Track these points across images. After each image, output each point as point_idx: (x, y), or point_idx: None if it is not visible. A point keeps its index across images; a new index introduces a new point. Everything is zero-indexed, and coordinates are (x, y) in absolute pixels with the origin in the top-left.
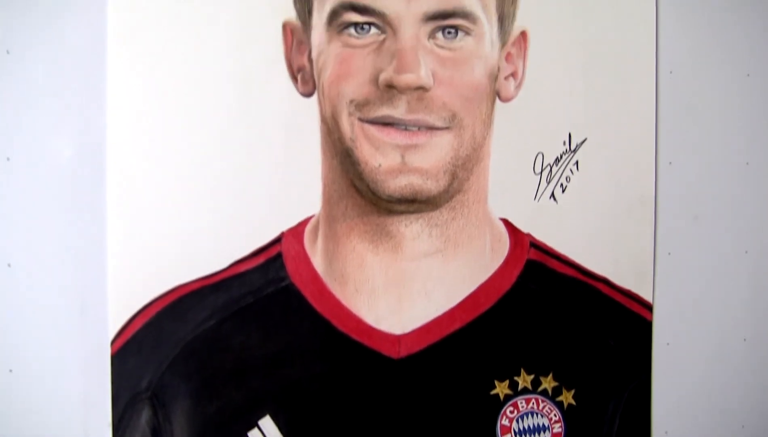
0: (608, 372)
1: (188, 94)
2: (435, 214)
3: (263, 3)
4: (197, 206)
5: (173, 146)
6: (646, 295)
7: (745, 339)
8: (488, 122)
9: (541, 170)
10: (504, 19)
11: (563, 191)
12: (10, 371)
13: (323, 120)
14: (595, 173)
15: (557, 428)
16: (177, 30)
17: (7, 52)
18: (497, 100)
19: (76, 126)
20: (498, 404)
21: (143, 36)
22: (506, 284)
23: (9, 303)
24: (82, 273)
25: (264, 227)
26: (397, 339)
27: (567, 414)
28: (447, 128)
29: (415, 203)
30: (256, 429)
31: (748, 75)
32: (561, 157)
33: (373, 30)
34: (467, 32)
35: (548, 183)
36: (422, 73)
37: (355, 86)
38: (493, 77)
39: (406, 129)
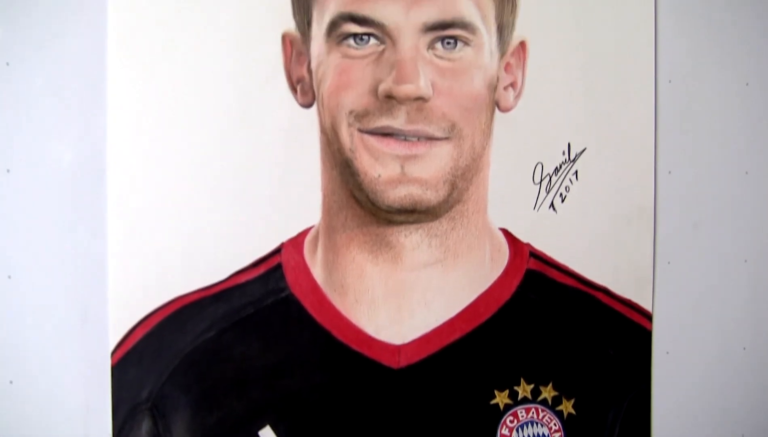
0: (608, 381)
1: (188, 105)
2: (434, 224)
3: (262, 14)
4: (197, 217)
5: (173, 157)
6: (646, 304)
7: (744, 348)
8: (487, 132)
9: (541, 180)
10: (503, 29)
11: (563, 200)
12: (11, 382)
13: (323, 131)
14: (594, 183)
15: None
16: (176, 43)
17: (7, 64)
18: (496, 111)
19: (75, 139)
20: (498, 413)
21: (143, 50)
22: (506, 294)
23: (10, 315)
24: (83, 285)
25: (264, 238)
26: (397, 349)
27: (567, 423)
28: (446, 139)
29: (414, 214)
30: None
31: (747, 84)
32: (560, 167)
33: (373, 41)
34: (466, 43)
35: (548, 193)
36: (421, 84)
37: (355, 97)
38: (493, 87)
39: (405, 139)
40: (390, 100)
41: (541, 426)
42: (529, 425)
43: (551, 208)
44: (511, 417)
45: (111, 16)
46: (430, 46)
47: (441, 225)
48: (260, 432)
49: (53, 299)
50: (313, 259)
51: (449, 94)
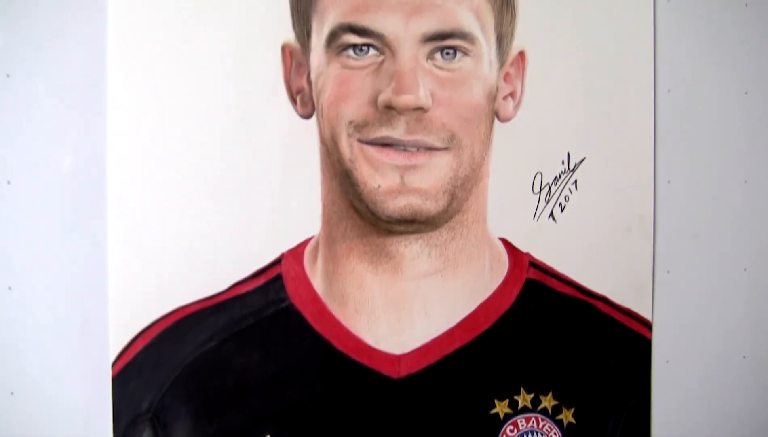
0: (608, 390)
1: (187, 116)
2: (434, 234)
3: (262, 25)
4: (197, 228)
5: (173, 168)
6: (645, 313)
7: (744, 357)
8: (487, 142)
9: (540, 190)
10: (502, 39)
11: (562, 210)
12: (12, 393)
13: (322, 141)
14: (593, 192)
15: None
16: (176, 55)
17: (8, 76)
18: (496, 121)
19: (74, 153)
20: (498, 423)
21: (142, 62)
22: (506, 304)
23: (10, 326)
24: (83, 296)
25: (264, 249)
26: (397, 359)
27: (567, 432)
28: (446, 149)
29: (414, 224)
30: None
31: (746, 93)
32: (560, 176)
33: (372, 51)
34: (465, 53)
35: (547, 202)
36: (421, 94)
37: (354, 108)
38: (492, 97)
39: (405, 150)
40: (389, 110)
41: (542, 435)
42: (530, 434)
43: (551, 217)
44: (512, 427)
45: (111, 30)
46: (430, 56)
47: (441, 235)
48: None
49: (53, 311)
50: (313, 269)
51: (448, 104)
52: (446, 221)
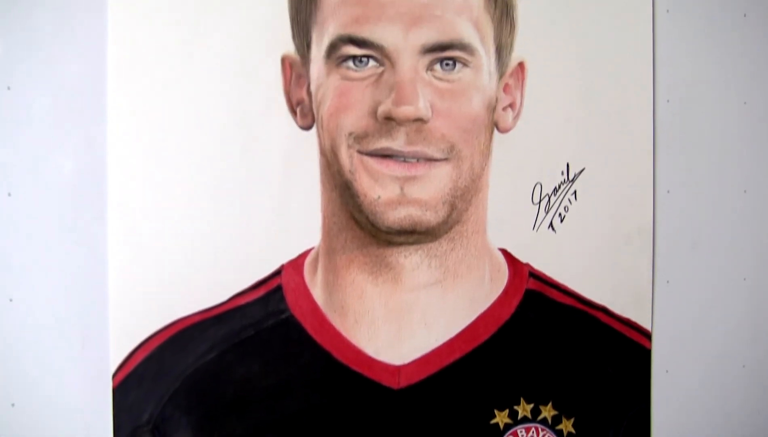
0: (607, 400)
1: (187, 129)
2: (434, 245)
3: (262, 37)
4: (198, 239)
5: (173, 179)
6: (645, 323)
7: (744, 366)
8: (486, 152)
9: (540, 200)
10: (501, 50)
11: (562, 220)
12: (12, 405)
13: (322, 153)
14: (593, 203)
15: None
16: (176, 64)
17: (8, 88)
18: (495, 131)
19: (74, 165)
20: (498, 433)
21: (142, 71)
22: (505, 314)
23: (11, 337)
24: (84, 308)
25: (264, 260)
26: (397, 370)
27: None
28: (446, 160)
29: (414, 235)
30: None
31: (745, 103)
32: (559, 187)
33: (372, 63)
34: (465, 64)
35: (547, 213)
36: (420, 105)
37: (354, 119)
38: (491, 108)
39: (405, 161)
40: (389, 121)
41: None
42: None
43: (550, 228)
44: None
45: (111, 37)
46: (429, 67)
47: (440, 246)
48: None
49: (54, 323)
50: (313, 280)
51: (448, 115)
52: (446, 232)
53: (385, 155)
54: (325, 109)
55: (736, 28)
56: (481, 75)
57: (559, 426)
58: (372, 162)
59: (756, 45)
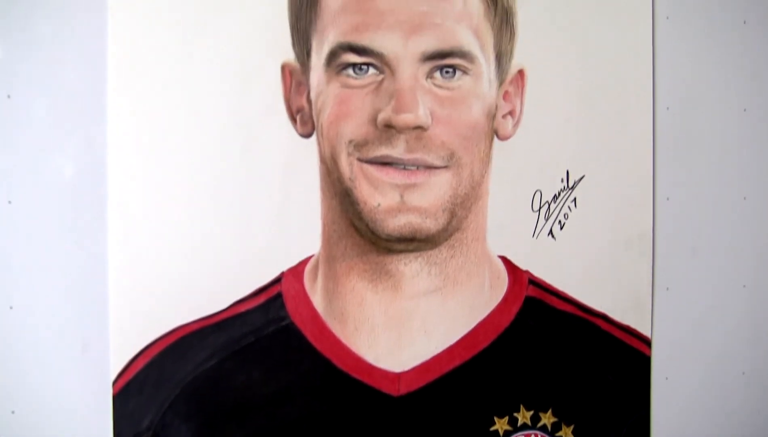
0: (607, 407)
1: (187, 130)
2: (434, 252)
3: (262, 45)
4: (198, 247)
5: (173, 186)
6: (645, 330)
7: (743, 373)
8: (486, 160)
9: (539, 208)
10: (501, 57)
11: (561, 228)
12: (13, 412)
13: (322, 160)
14: (593, 210)
15: None
16: (176, 64)
17: (8, 96)
18: (495, 139)
19: (74, 172)
20: None
21: (142, 71)
22: (505, 321)
23: (11, 345)
24: (84, 315)
25: (264, 268)
26: (397, 377)
27: None
28: (445, 167)
29: (414, 242)
30: None
31: (745, 110)
32: (559, 194)
33: (372, 70)
34: (465, 71)
35: (546, 220)
36: (420, 113)
37: (354, 126)
38: (491, 116)
39: (404, 168)
40: (389, 129)
41: None
42: None
43: (550, 235)
44: None
45: (111, 37)
46: (429, 75)
47: (440, 253)
48: None
49: (55, 330)
50: (313, 288)
51: (448, 122)
52: (446, 239)
53: (385, 163)
54: (325, 116)
55: (735, 35)
56: (481, 83)
57: (559, 433)
58: (372, 170)
59: (756, 52)
